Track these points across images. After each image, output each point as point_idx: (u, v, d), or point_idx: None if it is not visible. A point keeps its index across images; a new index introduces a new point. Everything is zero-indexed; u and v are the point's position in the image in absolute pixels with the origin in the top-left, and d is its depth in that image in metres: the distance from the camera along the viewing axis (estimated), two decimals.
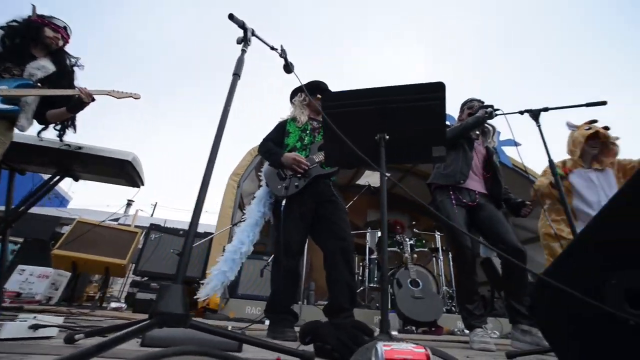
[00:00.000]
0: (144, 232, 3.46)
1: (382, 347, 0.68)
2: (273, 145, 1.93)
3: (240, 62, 1.07)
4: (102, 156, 1.95)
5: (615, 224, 0.64)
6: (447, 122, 2.32)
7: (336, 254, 1.71)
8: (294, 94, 2.16)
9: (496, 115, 2.04)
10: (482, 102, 2.23)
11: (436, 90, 1.20)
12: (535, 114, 1.82)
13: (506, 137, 4.67)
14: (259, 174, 2.13)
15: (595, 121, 2.32)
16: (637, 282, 0.58)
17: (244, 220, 1.96)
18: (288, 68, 1.77)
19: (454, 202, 2.01)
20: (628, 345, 0.61)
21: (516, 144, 2.50)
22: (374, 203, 6.21)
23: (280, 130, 2.04)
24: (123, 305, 2.52)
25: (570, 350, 0.72)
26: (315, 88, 2.04)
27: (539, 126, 1.77)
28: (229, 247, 1.87)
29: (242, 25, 1.12)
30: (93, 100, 1.67)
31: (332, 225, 1.77)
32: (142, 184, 2.52)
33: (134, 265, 3.30)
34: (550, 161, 1.78)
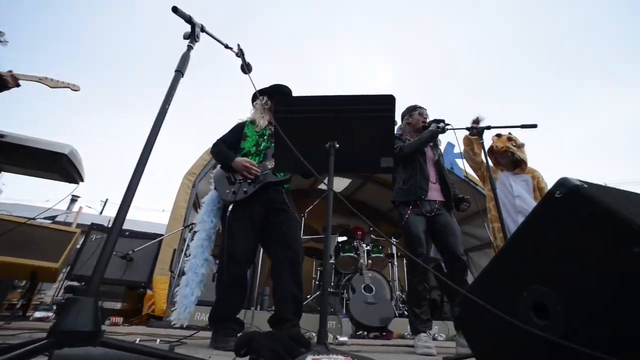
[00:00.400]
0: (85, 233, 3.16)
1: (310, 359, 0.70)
2: (225, 148, 1.85)
3: (184, 59, 1.01)
4: (32, 147, 1.75)
5: (527, 242, 0.69)
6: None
7: (283, 264, 1.67)
8: (255, 96, 2.08)
9: (447, 130, 2.16)
10: (424, 109, 2.34)
11: (387, 103, 1.23)
12: (479, 131, 1.95)
13: (459, 151, 4.99)
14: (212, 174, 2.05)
15: (499, 135, 2.43)
16: (543, 295, 0.62)
17: (195, 226, 1.87)
18: (245, 69, 1.72)
19: (415, 215, 2.09)
20: (539, 354, 0.65)
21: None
22: (335, 207, 6.27)
23: (237, 132, 1.96)
24: (51, 314, 2.26)
25: (491, 358, 0.77)
26: (277, 92, 1.98)
27: (481, 142, 1.90)
28: (188, 266, 1.80)
29: (188, 19, 1.06)
30: (18, 85, 1.49)
31: (281, 234, 1.72)
32: (82, 180, 2.30)
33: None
34: (490, 174, 1.92)
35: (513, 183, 2.23)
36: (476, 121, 2.04)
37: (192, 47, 1.05)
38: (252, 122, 1.98)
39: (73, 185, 2.33)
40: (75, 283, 2.87)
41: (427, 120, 2.30)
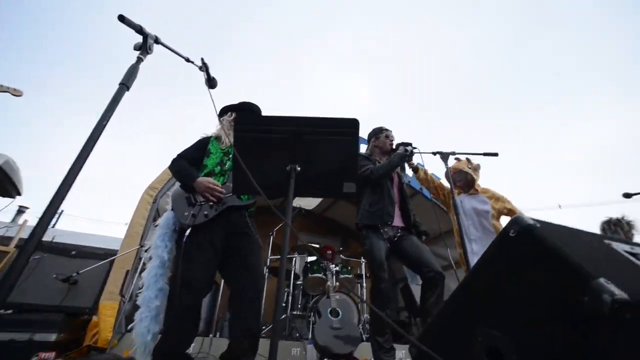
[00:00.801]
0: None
1: None
2: (187, 165, 1.72)
3: (131, 72, 0.93)
4: None
5: (481, 281, 0.66)
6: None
7: (242, 293, 1.55)
8: (223, 111, 1.97)
9: (414, 153, 2.20)
10: (390, 131, 2.38)
11: (350, 127, 1.20)
12: (445, 156, 2.00)
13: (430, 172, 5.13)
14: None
15: (458, 158, 2.46)
16: (497, 340, 0.59)
17: (149, 250, 1.71)
18: (211, 83, 1.65)
19: (379, 240, 2.06)
20: None
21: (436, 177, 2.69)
22: (305, 226, 6.18)
23: (201, 148, 1.83)
24: None
25: None
26: (246, 110, 1.90)
27: (447, 168, 1.94)
28: (140, 299, 1.62)
29: (139, 30, 0.98)
30: None
31: (242, 260, 1.60)
32: (19, 194, 2.08)
33: None
34: (453, 197, 1.95)
35: (466, 204, 2.29)
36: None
37: (142, 60, 0.98)
38: (217, 138, 1.88)
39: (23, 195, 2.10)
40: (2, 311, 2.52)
41: (394, 143, 2.33)
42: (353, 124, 1.19)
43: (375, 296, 2.03)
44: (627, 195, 3.22)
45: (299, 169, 1.17)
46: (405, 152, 2.14)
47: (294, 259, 4.23)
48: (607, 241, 0.65)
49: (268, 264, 4.22)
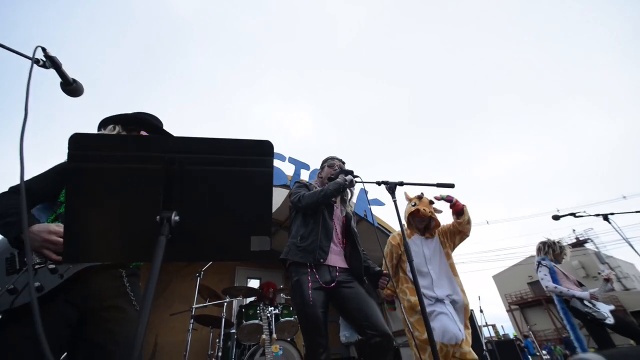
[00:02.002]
0: None
1: None
2: (18, 203, 1.07)
3: None
4: None
5: None
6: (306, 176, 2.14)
7: None
8: (104, 125, 1.41)
9: (356, 182, 1.88)
10: (343, 162, 2.10)
11: (262, 152, 0.80)
12: (391, 187, 1.71)
13: (373, 197, 4.97)
14: None
15: (421, 196, 2.44)
16: None
17: None
18: (67, 87, 1.15)
19: (310, 284, 1.65)
20: None
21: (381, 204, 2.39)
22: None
23: (56, 179, 1.21)
24: None
25: None
26: (141, 123, 1.38)
27: (394, 201, 1.64)
28: None
29: None
30: None
31: (104, 355, 1.01)
32: None
33: None
34: (402, 227, 1.65)
35: (425, 250, 2.15)
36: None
37: None
38: None
39: None
40: None
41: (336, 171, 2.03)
42: (265, 147, 0.79)
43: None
44: (556, 218, 3.37)
45: (176, 218, 0.72)
46: (345, 182, 1.83)
47: (224, 304, 3.57)
48: None
49: (193, 312, 3.50)
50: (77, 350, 1.03)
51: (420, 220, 2.33)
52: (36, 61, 0.98)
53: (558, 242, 3.42)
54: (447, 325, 1.88)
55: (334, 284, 1.71)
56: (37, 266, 1.02)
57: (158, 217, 0.72)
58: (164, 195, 0.74)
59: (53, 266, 1.03)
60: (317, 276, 1.69)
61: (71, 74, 1.13)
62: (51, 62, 1.04)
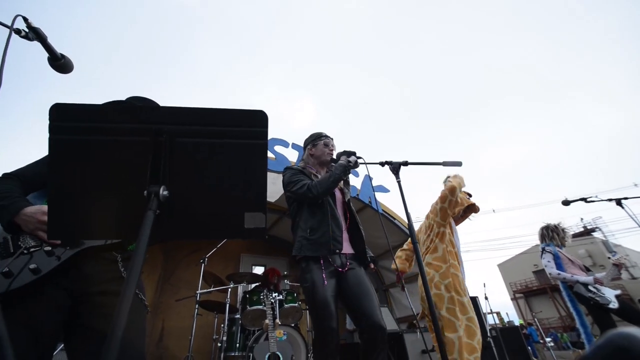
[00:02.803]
0: None
1: None
2: (10, 188, 1.06)
3: None
4: None
5: None
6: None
7: None
8: None
9: (359, 164, 1.82)
10: (330, 139, 2.01)
11: (256, 123, 0.75)
12: (395, 167, 1.65)
13: (378, 183, 4.90)
14: None
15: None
16: None
17: None
18: (55, 62, 1.10)
19: (324, 274, 1.61)
20: None
21: (386, 190, 2.33)
22: (251, 246, 5.54)
23: None
24: None
25: None
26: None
27: (398, 181, 1.58)
28: None
29: None
30: None
31: (102, 339, 0.97)
32: None
33: None
34: (407, 214, 1.60)
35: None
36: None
37: None
38: None
39: None
40: None
41: (335, 152, 1.95)
42: (258, 117, 0.74)
43: (318, 347, 1.57)
44: (566, 203, 3.29)
45: (165, 193, 0.68)
46: (349, 163, 1.76)
47: (229, 290, 3.59)
48: None
49: (198, 298, 3.53)
50: (74, 335, 1.01)
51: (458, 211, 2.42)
52: (17, 31, 0.93)
53: (560, 225, 3.37)
54: None
55: (346, 268, 1.68)
56: (32, 249, 1.00)
57: (145, 191, 0.68)
58: (151, 169, 0.70)
59: (49, 248, 1.01)
60: (330, 260, 1.65)
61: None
62: (35, 34, 0.99)
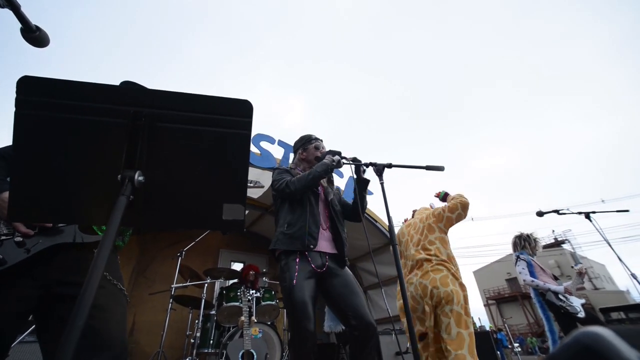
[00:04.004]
0: None
1: None
2: None
3: None
4: None
5: None
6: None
7: None
8: None
9: (343, 164, 1.82)
10: (320, 141, 2.02)
11: (240, 112, 0.73)
12: (379, 169, 1.66)
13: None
14: None
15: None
16: None
17: None
18: (29, 33, 1.04)
19: (297, 268, 1.60)
20: None
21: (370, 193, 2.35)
22: (231, 242, 5.45)
23: None
24: None
25: None
26: None
27: (381, 183, 1.59)
28: None
29: None
30: None
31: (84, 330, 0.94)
32: None
33: None
34: (387, 211, 1.61)
35: None
36: None
37: None
38: None
39: None
40: None
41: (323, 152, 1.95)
42: (243, 107, 0.72)
43: (295, 347, 1.54)
44: (540, 214, 3.42)
45: (140, 179, 0.65)
46: (332, 162, 1.76)
47: (205, 285, 3.52)
48: None
49: (173, 292, 3.43)
50: (47, 327, 0.96)
51: None
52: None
53: (532, 235, 3.49)
54: None
55: (324, 268, 1.67)
56: (2, 237, 0.93)
57: (119, 176, 0.65)
58: (127, 153, 0.67)
59: (20, 239, 0.95)
60: (309, 259, 1.64)
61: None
62: (5, 1, 0.92)
